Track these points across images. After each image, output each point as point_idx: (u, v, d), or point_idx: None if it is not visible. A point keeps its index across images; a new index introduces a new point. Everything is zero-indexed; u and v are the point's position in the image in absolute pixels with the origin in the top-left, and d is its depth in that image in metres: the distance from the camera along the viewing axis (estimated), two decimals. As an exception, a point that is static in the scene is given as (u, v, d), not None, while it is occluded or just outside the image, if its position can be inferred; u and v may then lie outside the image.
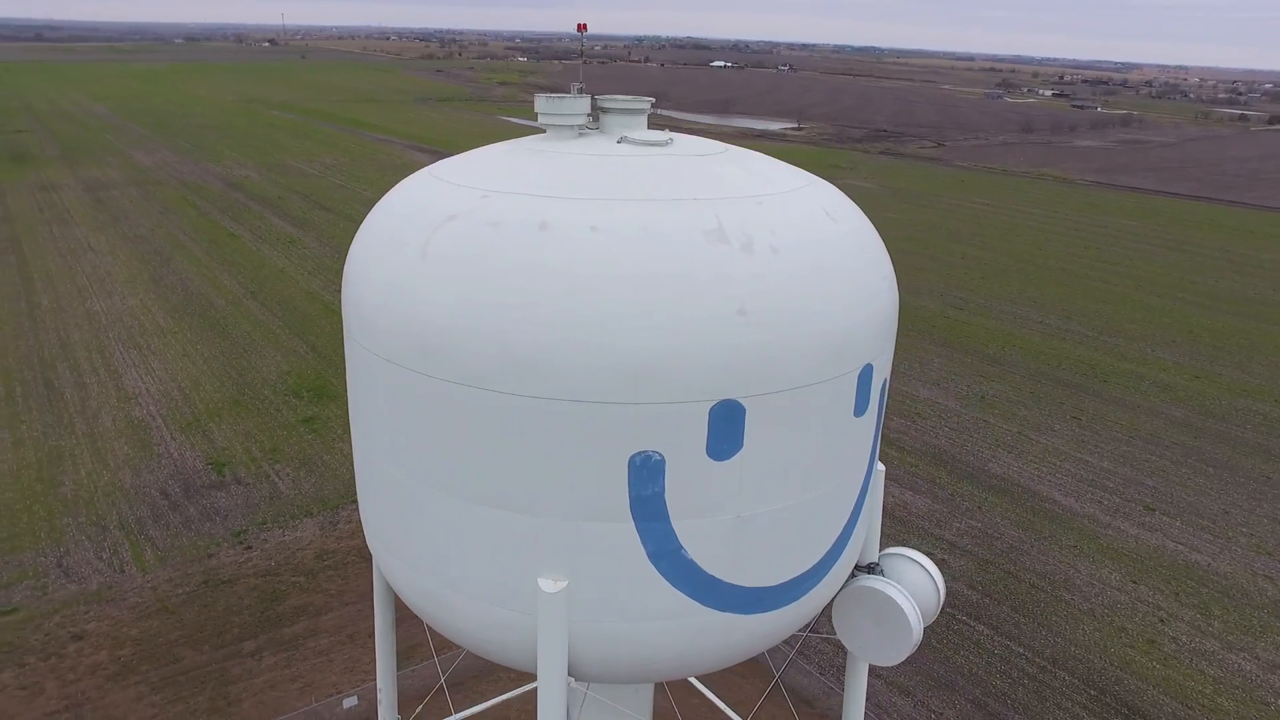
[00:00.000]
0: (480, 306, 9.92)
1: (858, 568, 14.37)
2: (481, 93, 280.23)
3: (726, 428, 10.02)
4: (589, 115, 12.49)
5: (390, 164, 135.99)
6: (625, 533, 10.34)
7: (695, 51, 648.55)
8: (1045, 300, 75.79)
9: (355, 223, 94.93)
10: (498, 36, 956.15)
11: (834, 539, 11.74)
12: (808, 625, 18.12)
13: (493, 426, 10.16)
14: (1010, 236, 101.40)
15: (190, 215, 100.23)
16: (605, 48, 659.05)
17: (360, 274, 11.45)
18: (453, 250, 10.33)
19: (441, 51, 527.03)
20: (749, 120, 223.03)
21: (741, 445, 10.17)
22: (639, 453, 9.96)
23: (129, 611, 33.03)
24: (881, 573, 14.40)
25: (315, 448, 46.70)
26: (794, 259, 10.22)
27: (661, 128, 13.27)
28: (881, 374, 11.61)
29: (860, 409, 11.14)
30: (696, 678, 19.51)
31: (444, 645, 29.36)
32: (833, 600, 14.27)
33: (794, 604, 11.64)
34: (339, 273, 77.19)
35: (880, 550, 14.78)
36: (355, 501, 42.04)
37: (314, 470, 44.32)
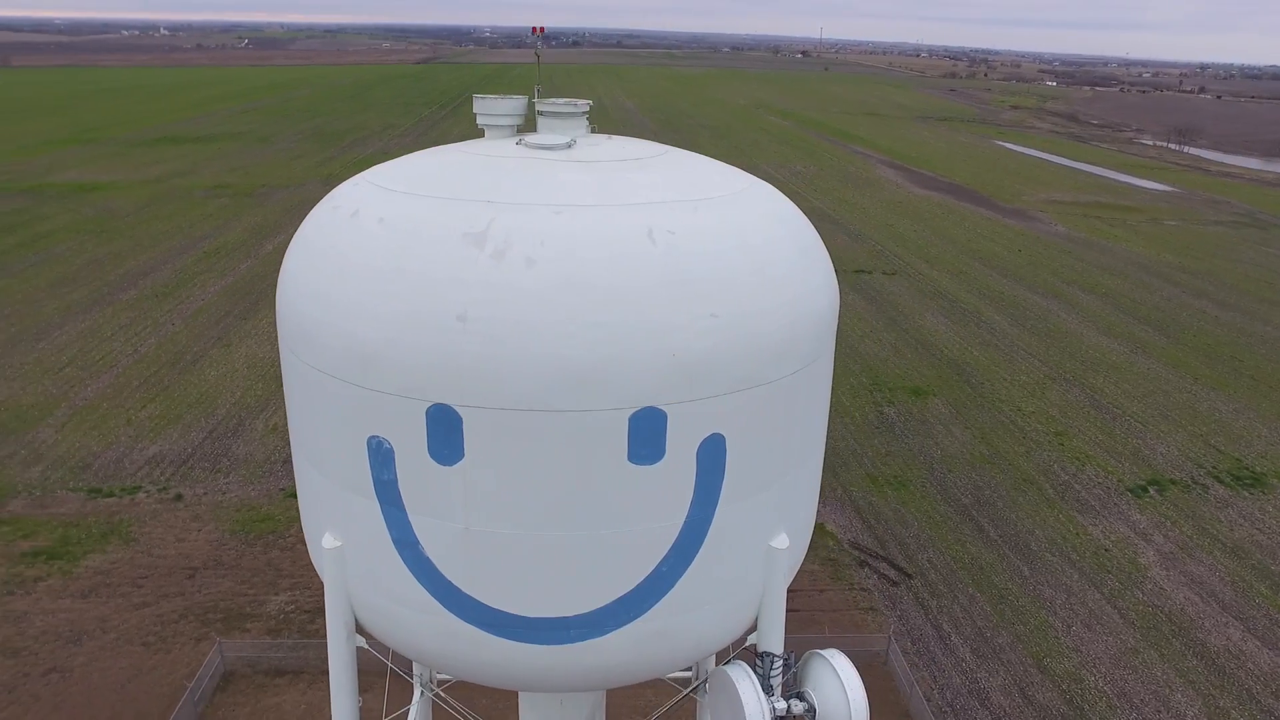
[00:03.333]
0: (296, 279, 11.00)
1: (760, 655, 12.54)
2: (987, 115, 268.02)
3: (444, 432, 9.84)
4: (523, 117, 12.62)
5: (855, 177, 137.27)
6: (374, 512, 10.68)
7: (1275, 83, 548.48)
8: None
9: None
10: (1036, 58, 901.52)
11: (615, 595, 10.64)
12: (692, 689, 16.16)
13: (296, 385, 11.21)
14: None
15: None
16: (1155, 74, 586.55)
17: (294, 245, 13.13)
18: (307, 229, 11.49)
19: (965, 70, 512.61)
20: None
21: (463, 455, 9.90)
22: (374, 436, 10.25)
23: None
24: (785, 666, 12.44)
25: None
26: (548, 272, 9.58)
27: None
28: (699, 429, 10.10)
29: (643, 458, 9.97)
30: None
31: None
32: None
33: (561, 647, 10.85)
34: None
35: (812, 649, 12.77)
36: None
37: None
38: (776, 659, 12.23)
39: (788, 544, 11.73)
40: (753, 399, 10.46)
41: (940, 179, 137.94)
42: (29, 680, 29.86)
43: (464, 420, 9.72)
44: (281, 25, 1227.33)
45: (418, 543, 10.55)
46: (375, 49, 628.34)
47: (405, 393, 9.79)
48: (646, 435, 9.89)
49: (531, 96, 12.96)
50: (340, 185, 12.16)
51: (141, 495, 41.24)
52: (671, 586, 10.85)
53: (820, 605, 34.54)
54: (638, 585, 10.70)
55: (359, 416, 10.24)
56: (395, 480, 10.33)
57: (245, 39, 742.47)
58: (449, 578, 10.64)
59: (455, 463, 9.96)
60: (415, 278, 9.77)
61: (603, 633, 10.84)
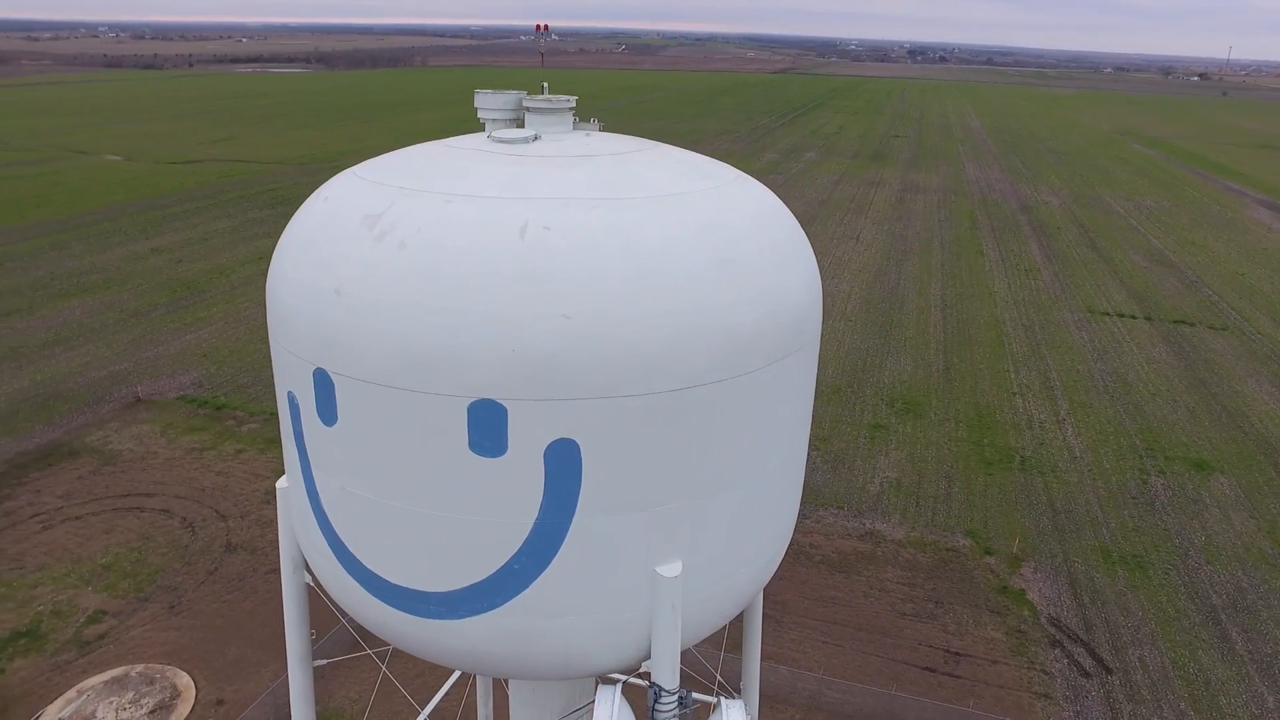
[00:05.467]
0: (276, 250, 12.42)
1: (649, 685, 11.85)
2: None
3: (325, 396, 10.70)
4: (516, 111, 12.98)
5: (1216, 218, 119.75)
6: (296, 460, 11.81)
7: None
8: None
9: (1110, 265, 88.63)
10: None
11: (467, 581, 10.81)
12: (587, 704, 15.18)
13: (269, 341, 12.65)
14: None
15: (960, 227, 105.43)
16: None
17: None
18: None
19: None
20: None
21: (337, 419, 10.68)
22: (290, 391, 11.38)
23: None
24: (680, 702, 11.75)
25: (857, 452, 48.32)
26: (414, 256, 10.04)
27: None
28: (545, 431, 9.93)
29: (484, 449, 10.08)
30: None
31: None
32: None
33: (422, 620, 11.25)
34: (1042, 307, 74.01)
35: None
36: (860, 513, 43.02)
37: (837, 470, 46.29)
38: (665, 693, 11.65)
39: (678, 573, 11.12)
40: (619, 410, 10.12)
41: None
42: (254, 574, 35.39)
43: (336, 386, 10.47)
44: (658, 33, 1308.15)
45: (318, 493, 11.51)
46: (739, 57, 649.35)
47: (301, 355, 10.76)
48: (486, 427, 10.00)
49: (541, 93, 13.33)
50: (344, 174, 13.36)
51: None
52: (526, 586, 10.81)
53: (987, 676, 31.22)
54: (490, 576, 10.80)
55: (284, 373, 11.40)
56: (303, 434, 11.35)
57: (623, 44, 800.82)
58: (337, 531, 11.49)
59: (333, 424, 10.76)
60: (318, 252, 10.71)
61: (459, 615, 11.09)
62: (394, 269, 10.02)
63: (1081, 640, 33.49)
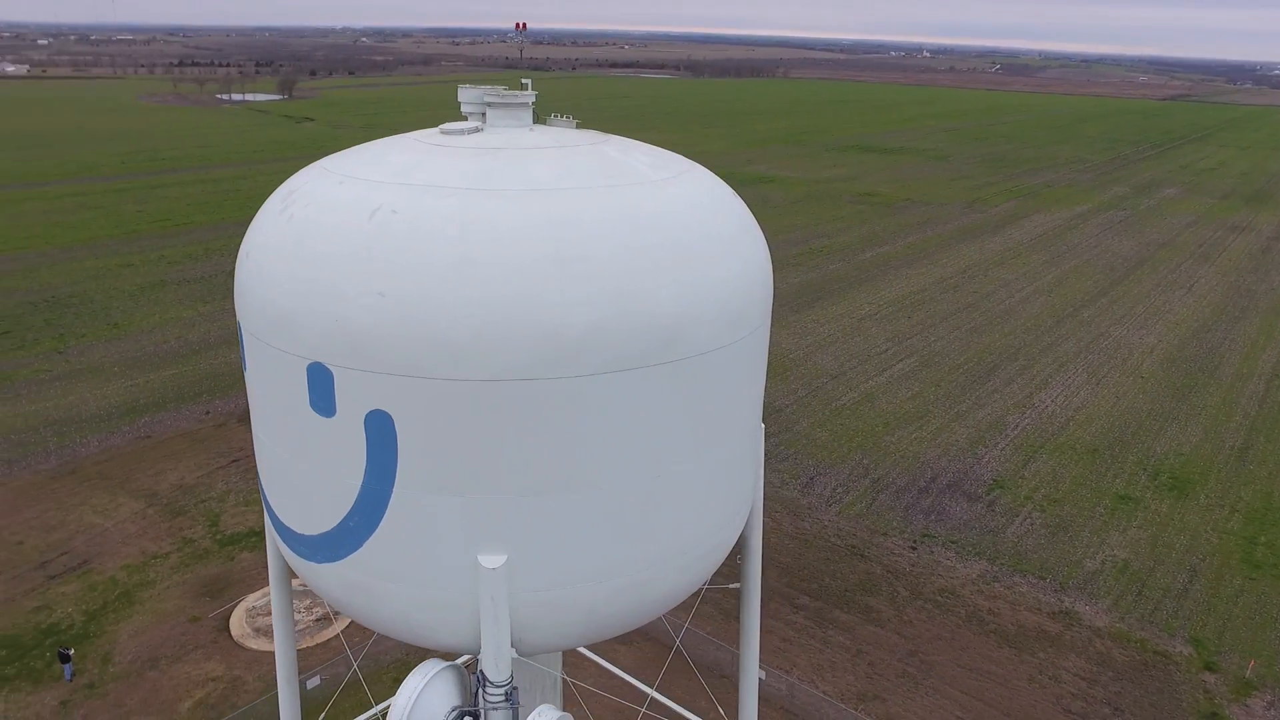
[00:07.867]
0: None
1: (477, 673, 12.03)
2: None
3: (241, 345, 12.37)
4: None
5: None
6: (253, 403, 13.68)
7: None
8: None
9: None
10: None
11: (320, 529, 11.86)
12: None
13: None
14: None
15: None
16: None
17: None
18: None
19: None
20: None
21: (247, 366, 12.31)
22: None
23: (779, 523, 39.85)
24: (507, 697, 11.82)
25: (1088, 522, 43.07)
26: (292, 229, 11.41)
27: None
28: (364, 399, 10.69)
29: (320, 409, 11.09)
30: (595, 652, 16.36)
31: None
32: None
33: (301, 559, 12.52)
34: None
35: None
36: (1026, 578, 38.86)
37: (1055, 536, 41.64)
38: (491, 685, 11.85)
39: (500, 565, 11.31)
40: (429, 390, 10.55)
41: None
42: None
43: (243, 338, 12.11)
44: (1039, 53, 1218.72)
45: (256, 428, 13.22)
46: (1127, 81, 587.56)
47: (237, 308, 12.49)
48: (320, 388, 11.06)
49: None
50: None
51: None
52: (360, 545, 11.64)
53: (1139, 802, 26.71)
54: (334, 528, 11.82)
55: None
56: (242, 371, 13.17)
57: (997, 64, 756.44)
58: (260, 470, 13.12)
59: (247, 370, 12.41)
60: (255, 222, 12.38)
61: (318, 560, 12.26)
62: (280, 239, 11.39)
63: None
